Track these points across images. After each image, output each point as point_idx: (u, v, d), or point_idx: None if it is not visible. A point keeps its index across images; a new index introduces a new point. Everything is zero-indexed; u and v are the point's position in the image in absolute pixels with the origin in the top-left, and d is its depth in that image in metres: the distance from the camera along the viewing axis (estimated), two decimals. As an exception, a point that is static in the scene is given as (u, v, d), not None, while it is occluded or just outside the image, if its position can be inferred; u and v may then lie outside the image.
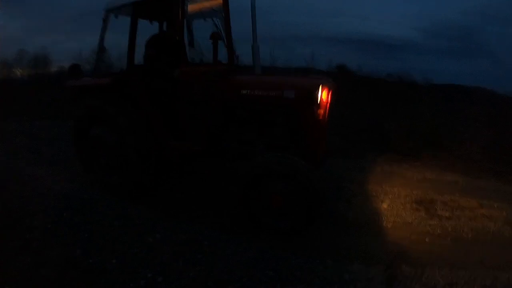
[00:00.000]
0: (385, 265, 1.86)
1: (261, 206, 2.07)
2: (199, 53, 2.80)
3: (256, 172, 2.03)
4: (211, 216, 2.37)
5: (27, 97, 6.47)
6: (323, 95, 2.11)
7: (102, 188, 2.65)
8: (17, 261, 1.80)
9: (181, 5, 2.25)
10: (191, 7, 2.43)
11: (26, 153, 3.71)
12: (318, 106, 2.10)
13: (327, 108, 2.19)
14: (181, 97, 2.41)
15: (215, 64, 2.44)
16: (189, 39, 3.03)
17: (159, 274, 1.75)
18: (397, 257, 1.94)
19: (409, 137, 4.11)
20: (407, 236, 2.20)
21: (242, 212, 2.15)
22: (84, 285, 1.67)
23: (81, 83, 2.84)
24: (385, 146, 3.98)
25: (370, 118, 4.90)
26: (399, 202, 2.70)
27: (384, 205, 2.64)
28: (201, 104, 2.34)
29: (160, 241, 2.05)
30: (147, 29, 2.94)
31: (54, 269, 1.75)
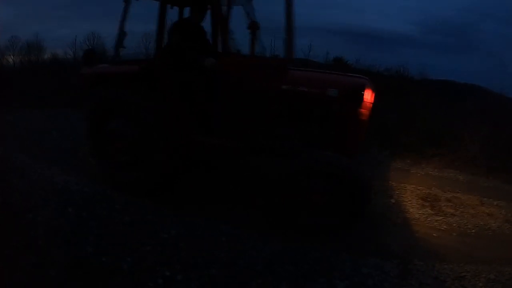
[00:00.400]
0: (399, 259, 1.92)
1: (305, 204, 2.03)
2: (235, 43, 2.58)
3: (304, 169, 1.99)
4: (225, 212, 2.33)
5: (21, 85, 5.97)
6: (367, 95, 2.09)
7: (117, 185, 2.45)
8: (20, 260, 1.67)
9: None
10: None
11: (23, 144, 3.45)
12: (362, 106, 2.08)
13: (370, 109, 2.16)
14: (217, 89, 2.26)
15: (258, 57, 2.29)
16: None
17: (178, 272, 1.70)
18: (410, 252, 2.01)
19: (410, 133, 4.20)
20: (417, 231, 2.28)
21: (282, 210, 2.08)
22: (96, 285, 1.58)
23: (99, 70, 2.55)
24: (387, 140, 4.05)
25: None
26: (405, 198, 2.77)
27: (392, 201, 2.71)
28: (238, 98, 2.21)
29: (175, 238, 1.99)
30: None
31: (62, 269, 1.64)
